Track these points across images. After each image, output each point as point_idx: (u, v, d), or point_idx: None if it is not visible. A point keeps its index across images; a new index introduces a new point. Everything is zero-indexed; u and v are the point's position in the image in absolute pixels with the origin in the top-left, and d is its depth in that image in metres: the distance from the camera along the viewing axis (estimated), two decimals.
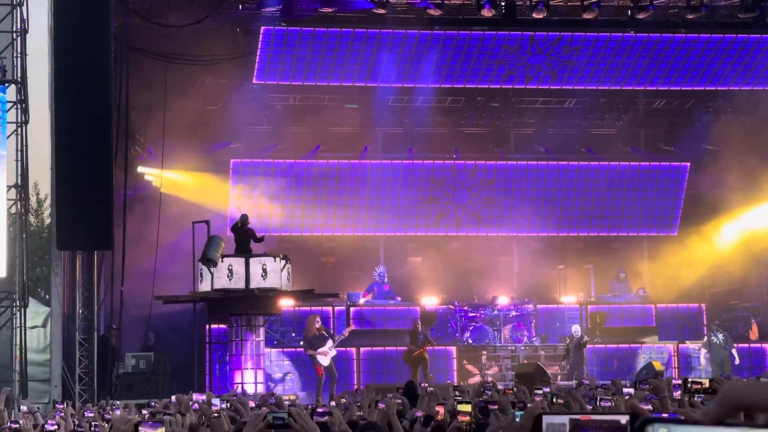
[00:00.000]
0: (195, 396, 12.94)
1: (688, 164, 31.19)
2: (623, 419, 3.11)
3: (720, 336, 26.63)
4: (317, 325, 24.66)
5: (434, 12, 26.64)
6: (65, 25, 23.34)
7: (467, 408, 8.82)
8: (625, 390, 12.72)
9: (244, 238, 24.50)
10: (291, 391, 25.22)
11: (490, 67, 28.94)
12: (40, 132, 25.62)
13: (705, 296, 29.53)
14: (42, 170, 27.71)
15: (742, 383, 1.60)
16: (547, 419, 3.16)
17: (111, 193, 23.54)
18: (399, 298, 28.63)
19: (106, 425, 8.46)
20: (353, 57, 28.24)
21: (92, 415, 13.49)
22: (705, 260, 29.60)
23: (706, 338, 27.09)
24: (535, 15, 26.70)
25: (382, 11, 26.37)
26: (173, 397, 13.66)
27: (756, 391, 1.54)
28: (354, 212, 30.40)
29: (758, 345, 28.43)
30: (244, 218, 24.95)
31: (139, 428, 6.73)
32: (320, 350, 24.25)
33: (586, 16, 26.82)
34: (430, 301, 28.51)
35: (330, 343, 24.38)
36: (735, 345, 26.82)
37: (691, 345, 27.04)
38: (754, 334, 28.59)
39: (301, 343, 25.42)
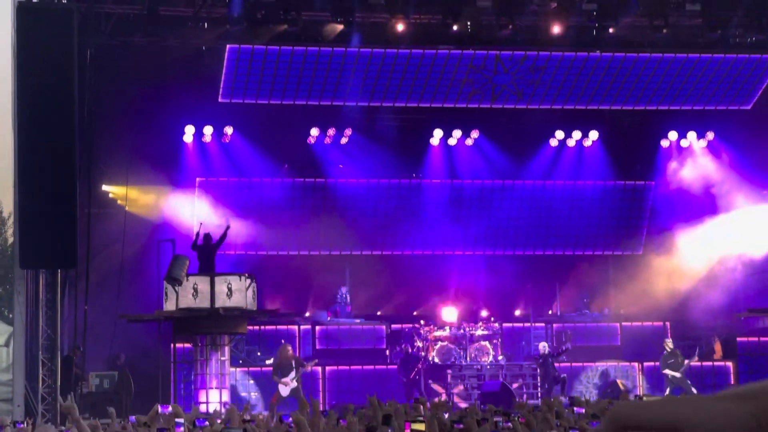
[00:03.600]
0: (161, 408, 12.78)
1: (653, 183, 31.35)
2: None
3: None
4: (288, 354, 24.73)
5: (400, 29, 26.62)
6: (29, 42, 23.23)
7: (421, 427, 8.82)
8: (576, 409, 12.76)
9: (208, 256, 24.40)
10: (256, 411, 25.10)
11: (456, 86, 29.00)
12: (3, 149, 25.47)
13: (669, 314, 29.62)
14: (5, 188, 27.52)
15: (631, 402, 1.60)
16: None
17: (74, 212, 23.39)
18: (358, 320, 28.67)
19: None
20: (319, 76, 28.22)
21: None
22: (669, 278, 29.70)
23: (665, 352, 27.18)
24: (500, 33, 26.82)
25: (346, 29, 26.40)
26: (132, 418, 13.53)
27: (642, 410, 1.55)
28: (320, 231, 30.34)
29: (722, 363, 28.57)
30: (208, 237, 24.88)
31: None
32: (284, 379, 24.31)
33: (554, 30, 26.84)
34: (395, 320, 28.59)
35: (293, 374, 24.38)
36: (688, 362, 26.95)
37: (670, 373, 26.92)
38: (718, 353, 28.73)
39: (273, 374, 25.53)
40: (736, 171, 30.23)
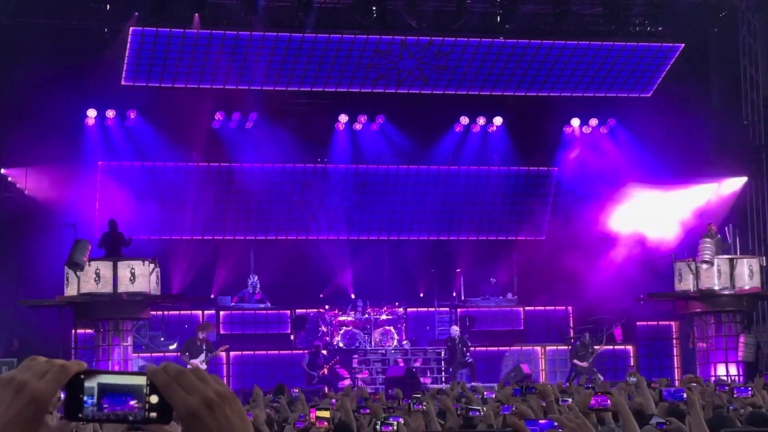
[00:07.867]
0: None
1: (556, 169, 31.68)
2: None
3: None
4: (202, 336, 24.46)
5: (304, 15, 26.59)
6: None
7: (326, 414, 8.86)
8: (487, 394, 12.80)
9: (115, 245, 24.15)
10: None
11: (361, 71, 29.00)
12: None
13: (571, 299, 29.99)
14: None
15: None
16: None
17: None
18: (262, 304, 28.62)
19: None
20: (224, 60, 28.02)
21: None
22: (572, 264, 30.03)
23: (578, 343, 27.46)
24: (406, 19, 26.90)
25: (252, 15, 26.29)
26: None
27: None
28: (225, 216, 30.18)
29: (622, 347, 29.03)
30: (113, 223, 24.61)
31: None
32: (192, 361, 24.07)
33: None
34: (300, 304, 28.60)
35: (203, 356, 24.21)
36: (595, 347, 27.34)
37: (578, 363, 27.16)
38: (618, 336, 29.15)
39: (179, 351, 25.23)
40: (636, 157, 30.64)
